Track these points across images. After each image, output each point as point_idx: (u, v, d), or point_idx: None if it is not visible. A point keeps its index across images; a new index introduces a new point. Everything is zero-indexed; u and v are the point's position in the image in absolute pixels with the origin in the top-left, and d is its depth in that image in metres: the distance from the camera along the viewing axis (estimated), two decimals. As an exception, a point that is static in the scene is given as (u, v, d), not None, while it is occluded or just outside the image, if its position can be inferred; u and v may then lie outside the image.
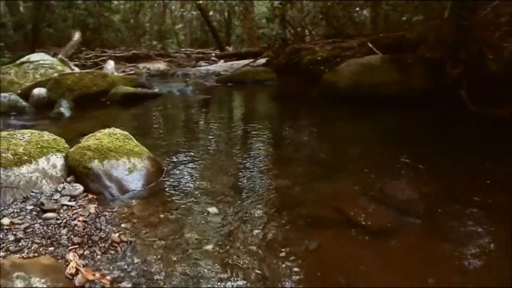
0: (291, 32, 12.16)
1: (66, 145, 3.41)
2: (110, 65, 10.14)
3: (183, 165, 3.75)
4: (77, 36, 13.28)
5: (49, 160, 3.16)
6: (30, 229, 2.43)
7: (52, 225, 2.48)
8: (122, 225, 2.50)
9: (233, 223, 2.58)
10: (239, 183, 3.26)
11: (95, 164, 3.05)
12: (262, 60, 11.72)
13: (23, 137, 3.24)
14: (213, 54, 17.61)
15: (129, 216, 2.64)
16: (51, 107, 6.65)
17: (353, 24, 11.76)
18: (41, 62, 8.06)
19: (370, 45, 7.96)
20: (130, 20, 19.68)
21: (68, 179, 3.12)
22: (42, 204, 2.71)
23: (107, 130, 3.51)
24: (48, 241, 2.31)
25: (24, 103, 6.71)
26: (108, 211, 2.69)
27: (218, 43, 19.18)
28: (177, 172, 3.56)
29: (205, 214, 2.70)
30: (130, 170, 3.14)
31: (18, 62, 8.10)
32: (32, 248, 2.23)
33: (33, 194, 2.88)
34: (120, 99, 7.41)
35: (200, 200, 2.92)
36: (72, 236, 2.35)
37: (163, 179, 3.35)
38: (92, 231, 2.41)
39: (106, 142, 3.27)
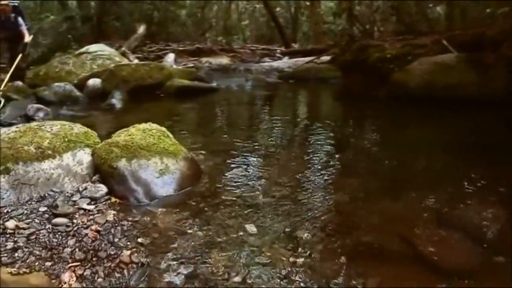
0: (359, 29, 11.44)
1: (97, 140, 3.08)
2: (170, 58, 10.00)
3: (226, 169, 3.30)
4: (141, 29, 13.32)
5: (75, 156, 2.83)
6: (34, 236, 2.08)
7: (59, 233, 2.12)
8: (139, 240, 2.08)
9: (273, 247, 2.08)
10: (289, 196, 2.73)
11: (122, 163, 2.67)
12: (327, 57, 11.10)
13: (51, 129, 2.94)
14: (278, 51, 17.14)
15: (150, 228, 2.22)
16: (104, 98, 6.50)
17: (426, 20, 10.84)
18: (99, 53, 7.98)
19: (445, 42, 7.22)
20: (196, 14, 19.67)
21: (94, 178, 2.78)
22: (56, 206, 2.37)
23: (142, 125, 3.13)
24: (49, 253, 1.95)
25: (78, 93, 6.61)
26: (128, 220, 2.29)
27: (283, 40, 18.64)
28: (219, 177, 3.11)
29: (241, 233, 2.22)
30: (161, 172, 2.74)
31: (77, 52, 8.08)
32: (28, 261, 1.88)
33: (51, 193, 2.56)
34: (174, 92, 7.13)
35: (239, 214, 2.44)
36: (77, 250, 1.97)
37: (200, 185, 2.90)
38: (102, 245, 2.02)
39: (138, 139, 2.89)
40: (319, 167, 3.37)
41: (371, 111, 6.05)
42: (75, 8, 13.67)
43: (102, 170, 2.73)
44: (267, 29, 23.51)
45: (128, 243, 2.05)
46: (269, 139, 4.34)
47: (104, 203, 2.49)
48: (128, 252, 1.95)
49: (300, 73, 9.67)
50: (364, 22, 11.54)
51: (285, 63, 12.91)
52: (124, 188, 2.59)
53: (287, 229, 2.26)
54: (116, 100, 6.26)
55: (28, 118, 5.24)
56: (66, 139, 2.87)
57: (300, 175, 3.14)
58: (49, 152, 2.73)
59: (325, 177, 3.13)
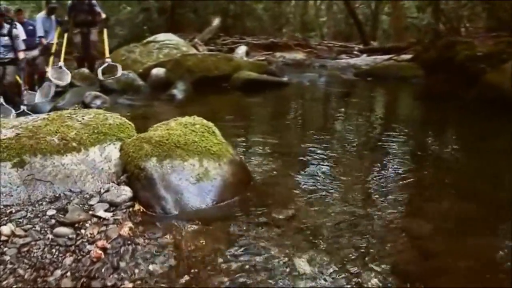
0: (445, 25, 10.39)
1: (133, 133, 2.66)
2: (241, 50, 9.65)
3: (283, 178, 2.74)
4: (216, 22, 13.16)
5: (103, 151, 2.44)
6: (27, 249, 1.69)
7: (58, 248, 1.71)
8: (151, 267, 1.60)
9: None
10: (356, 221, 2.11)
11: (151, 164, 2.22)
12: (407, 56, 10.22)
13: (83, 118, 2.58)
14: (356, 48, 16.30)
15: (170, 251, 1.73)
16: (167, 88, 6.21)
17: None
18: (166, 42, 7.76)
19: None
20: (273, 9, 19.27)
21: (122, 177, 2.36)
22: (66, 211, 1.97)
23: (185, 119, 2.67)
24: (34, 274, 1.53)
25: (140, 82, 6.39)
26: (146, 237, 1.82)
27: (362, 37, 17.70)
28: (272, 187, 2.56)
29: (286, 268, 1.66)
30: (198, 178, 2.25)
31: (144, 41, 7.92)
32: (5, 282, 1.47)
33: (68, 193, 2.17)
34: (241, 85, 6.69)
35: (290, 242, 1.88)
36: (68, 274, 1.53)
37: (247, 196, 2.38)
38: (102, 270, 1.56)
39: (176, 135, 2.42)
40: (396, 183, 2.70)
41: (457, 116, 5.22)
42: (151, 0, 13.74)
43: (128, 170, 2.30)
44: (345, 26, 22.67)
45: (136, 270, 1.58)
46: (339, 144, 3.72)
47: (124, 210, 2.05)
48: (130, 286, 1.48)
49: (379, 71, 8.88)
50: (451, 16, 10.50)
51: (362, 60, 12.16)
52: (151, 194, 2.13)
53: (348, 266, 1.67)
54: (178, 91, 5.96)
55: (85, 105, 5.07)
56: (96, 131, 2.49)
57: (372, 191, 2.52)
58: (74, 144, 2.36)
59: (403, 197, 2.47)
